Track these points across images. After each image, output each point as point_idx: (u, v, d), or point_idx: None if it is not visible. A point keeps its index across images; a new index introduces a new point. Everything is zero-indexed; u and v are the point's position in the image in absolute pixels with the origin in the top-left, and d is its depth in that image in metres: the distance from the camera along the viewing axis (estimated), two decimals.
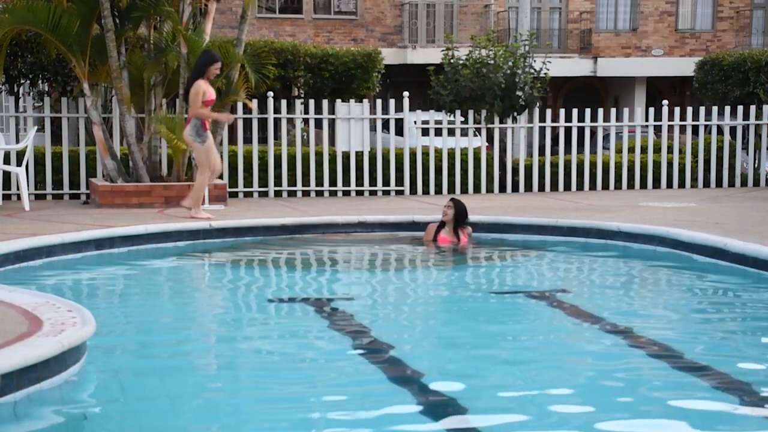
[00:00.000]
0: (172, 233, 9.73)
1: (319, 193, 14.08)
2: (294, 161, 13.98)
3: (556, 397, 4.69)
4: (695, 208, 11.83)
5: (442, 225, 9.70)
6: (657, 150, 15.52)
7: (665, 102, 15.66)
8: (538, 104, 14.80)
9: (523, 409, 4.50)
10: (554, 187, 14.91)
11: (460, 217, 9.64)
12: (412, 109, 14.83)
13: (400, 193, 14.34)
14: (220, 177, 13.40)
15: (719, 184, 15.52)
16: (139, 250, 9.28)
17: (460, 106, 14.53)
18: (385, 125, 16.35)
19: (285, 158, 13.89)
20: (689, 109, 15.63)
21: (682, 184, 15.37)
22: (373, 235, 10.39)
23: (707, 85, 17.15)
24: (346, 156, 14.16)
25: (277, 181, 13.98)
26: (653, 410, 4.49)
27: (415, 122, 14.77)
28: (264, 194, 13.92)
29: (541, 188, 14.84)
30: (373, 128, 14.59)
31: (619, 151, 15.32)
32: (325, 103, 14.34)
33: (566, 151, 15.50)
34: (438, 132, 14.75)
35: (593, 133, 16.67)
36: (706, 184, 15.46)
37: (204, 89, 10.32)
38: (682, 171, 15.40)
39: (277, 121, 14.58)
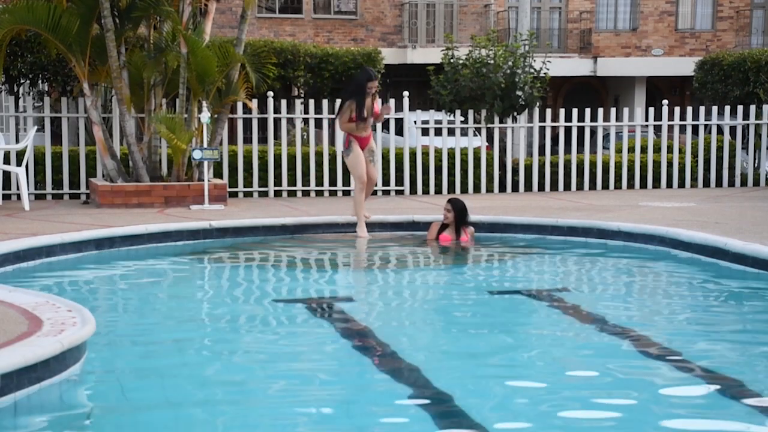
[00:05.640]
0: (172, 233, 9.75)
1: (319, 193, 14.08)
2: (294, 161, 13.99)
3: (556, 395, 4.69)
4: (695, 208, 11.83)
5: (445, 225, 9.73)
6: (657, 150, 15.52)
7: (665, 102, 15.67)
8: (537, 104, 14.80)
9: (523, 407, 4.51)
10: (554, 186, 14.91)
11: (460, 215, 9.67)
12: (412, 109, 14.83)
13: (400, 192, 14.34)
14: (220, 177, 13.43)
15: (719, 183, 15.52)
16: (139, 250, 9.29)
17: (460, 105, 14.53)
18: (385, 125, 16.35)
19: (285, 158, 13.89)
20: (689, 109, 15.64)
21: (682, 184, 15.38)
22: (374, 234, 10.38)
23: (707, 85, 17.15)
24: None
25: (277, 181, 13.98)
26: (653, 409, 4.50)
27: (415, 122, 14.77)
28: (264, 194, 13.92)
29: (541, 188, 14.85)
30: (373, 128, 14.57)
31: (619, 150, 15.33)
32: (325, 103, 14.34)
33: (566, 151, 15.50)
34: (438, 132, 14.75)
35: (593, 133, 16.68)
36: (706, 184, 15.47)
37: (352, 107, 10.35)
38: (682, 171, 15.41)
39: (277, 121, 14.59)
